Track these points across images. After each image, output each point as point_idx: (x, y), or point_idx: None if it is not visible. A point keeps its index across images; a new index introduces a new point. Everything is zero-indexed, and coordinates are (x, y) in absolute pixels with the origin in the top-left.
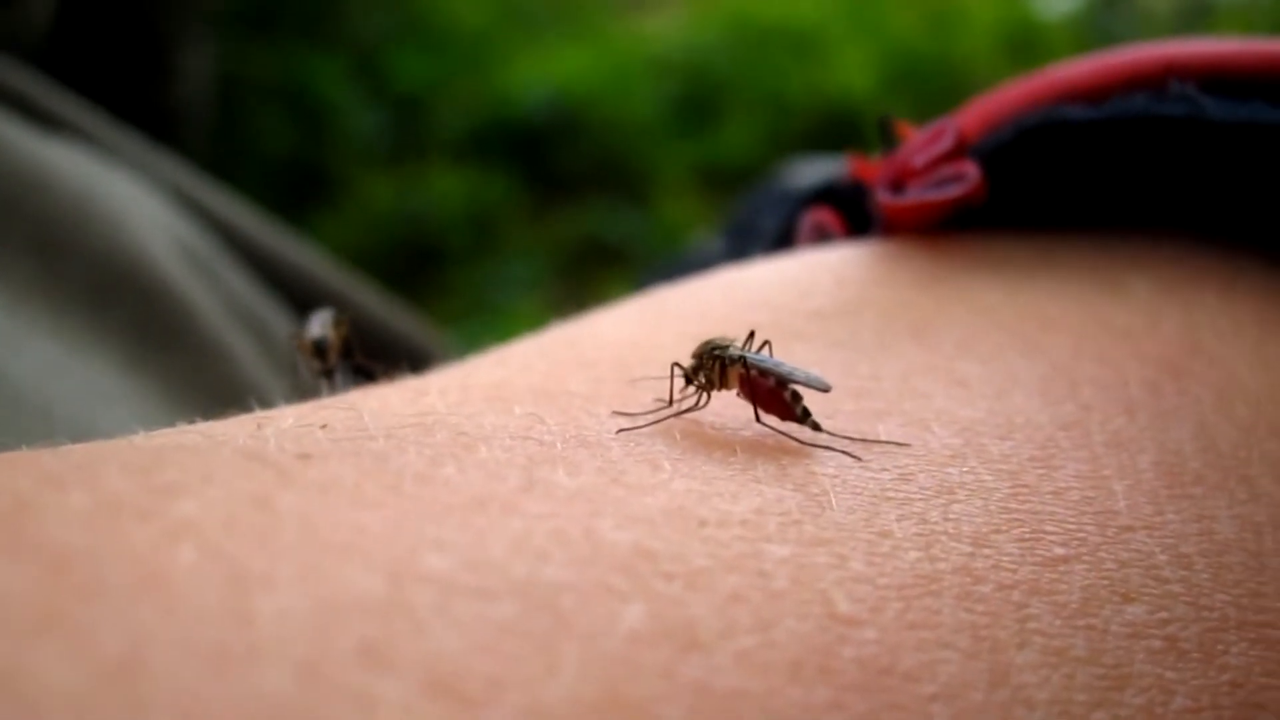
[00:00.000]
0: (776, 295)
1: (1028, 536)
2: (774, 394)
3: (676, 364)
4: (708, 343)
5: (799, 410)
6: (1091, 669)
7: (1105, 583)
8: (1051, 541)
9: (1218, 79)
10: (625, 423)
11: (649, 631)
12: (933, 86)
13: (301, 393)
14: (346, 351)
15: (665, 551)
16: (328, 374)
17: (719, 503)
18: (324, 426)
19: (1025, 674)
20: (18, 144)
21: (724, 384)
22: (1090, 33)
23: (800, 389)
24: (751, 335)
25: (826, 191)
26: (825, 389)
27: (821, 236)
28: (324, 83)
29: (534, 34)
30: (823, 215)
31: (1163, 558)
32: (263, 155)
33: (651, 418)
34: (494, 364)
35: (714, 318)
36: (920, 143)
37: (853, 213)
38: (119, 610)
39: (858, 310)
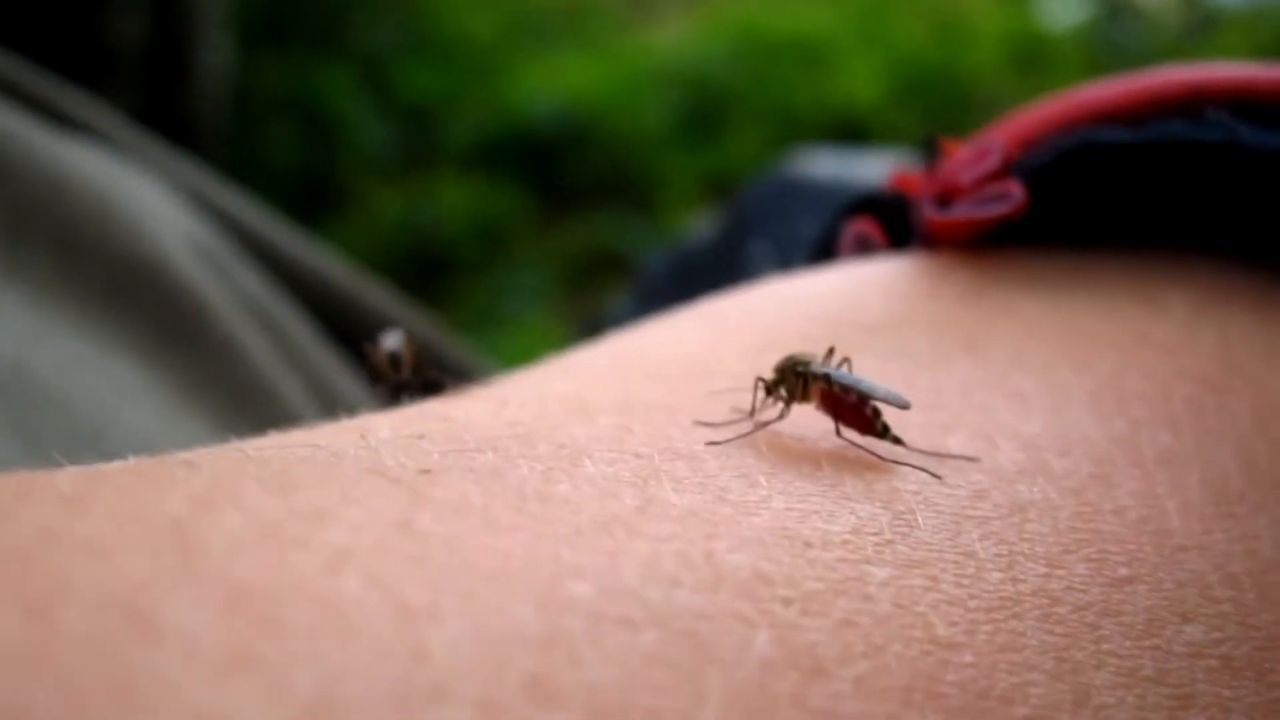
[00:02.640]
0: (829, 309)
1: (1095, 557)
2: (856, 409)
3: (760, 378)
4: (790, 358)
5: (879, 425)
6: (1160, 689)
7: (1165, 603)
8: (1116, 562)
9: (1246, 104)
10: (711, 434)
11: (777, 659)
12: (940, 98)
13: (376, 403)
14: (418, 366)
15: (779, 575)
16: (401, 385)
17: (818, 522)
18: (421, 437)
19: (1104, 694)
20: (38, 145)
21: (804, 398)
22: (1097, 44)
23: (880, 405)
24: (831, 351)
25: (868, 201)
26: (905, 406)
27: (863, 246)
28: (333, 94)
29: (542, 46)
30: (865, 225)
31: (1214, 578)
32: (272, 166)
33: (737, 430)
34: (561, 375)
35: (771, 331)
36: (967, 160)
37: (892, 222)
38: (305, 648)
39: (908, 324)
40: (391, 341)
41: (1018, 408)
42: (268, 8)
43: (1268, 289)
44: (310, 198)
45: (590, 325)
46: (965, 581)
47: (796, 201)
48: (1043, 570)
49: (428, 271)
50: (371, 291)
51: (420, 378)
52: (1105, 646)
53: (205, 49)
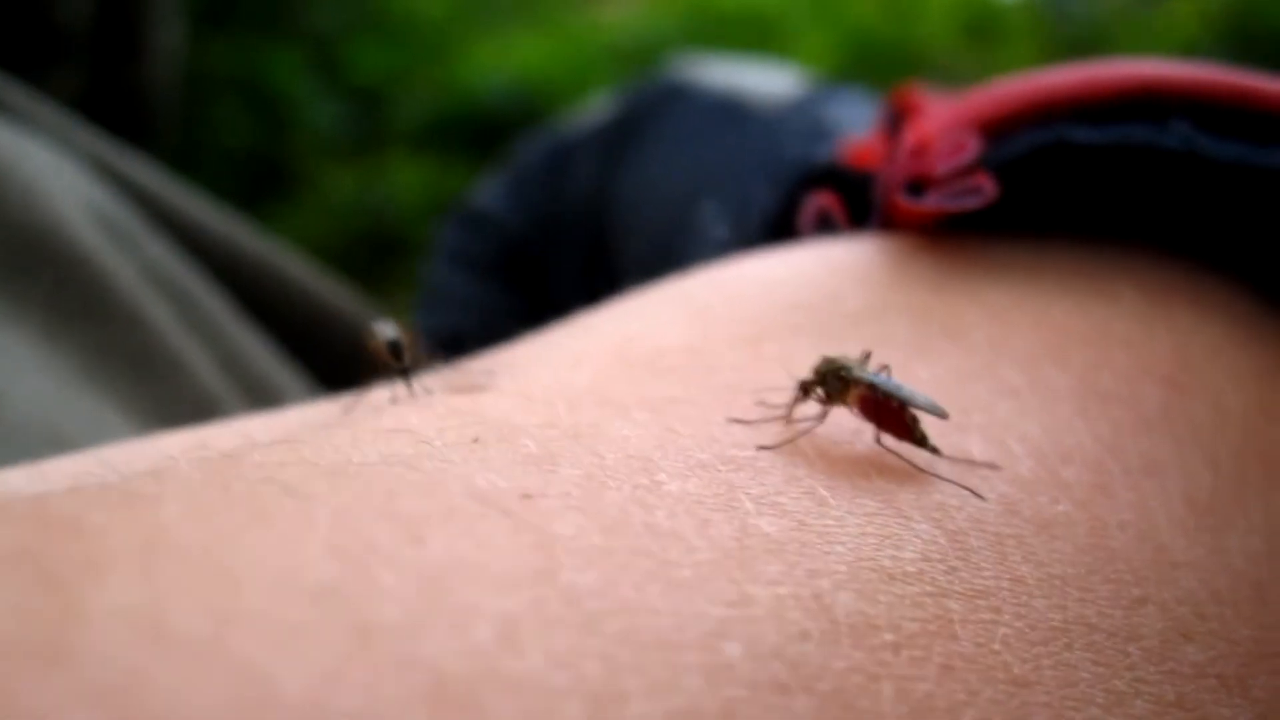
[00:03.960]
0: (810, 298)
1: (1113, 578)
2: (897, 416)
3: (801, 380)
4: (830, 361)
5: (918, 434)
6: (1180, 714)
7: (1172, 624)
8: (1129, 582)
9: (1204, 107)
10: (753, 434)
11: (905, 715)
12: (892, 69)
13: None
14: (417, 353)
15: (883, 618)
16: (404, 374)
17: (891, 549)
18: (476, 440)
19: None
20: None
21: (841, 401)
22: (1048, 14)
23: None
24: (868, 356)
25: (828, 174)
26: (944, 416)
27: (823, 221)
28: (282, 75)
29: (493, 24)
30: (825, 200)
31: (1203, 595)
32: (221, 148)
33: (780, 433)
34: (569, 365)
35: (759, 321)
36: (943, 152)
37: (849, 192)
38: None
39: (887, 312)
40: (389, 330)
41: (1014, 405)
42: None
43: (1205, 286)
44: (261, 180)
45: (459, 209)
46: (1022, 612)
47: (683, 105)
48: (1077, 595)
49: (381, 252)
50: (289, 261)
51: (424, 365)
52: (1137, 674)
53: (158, 29)
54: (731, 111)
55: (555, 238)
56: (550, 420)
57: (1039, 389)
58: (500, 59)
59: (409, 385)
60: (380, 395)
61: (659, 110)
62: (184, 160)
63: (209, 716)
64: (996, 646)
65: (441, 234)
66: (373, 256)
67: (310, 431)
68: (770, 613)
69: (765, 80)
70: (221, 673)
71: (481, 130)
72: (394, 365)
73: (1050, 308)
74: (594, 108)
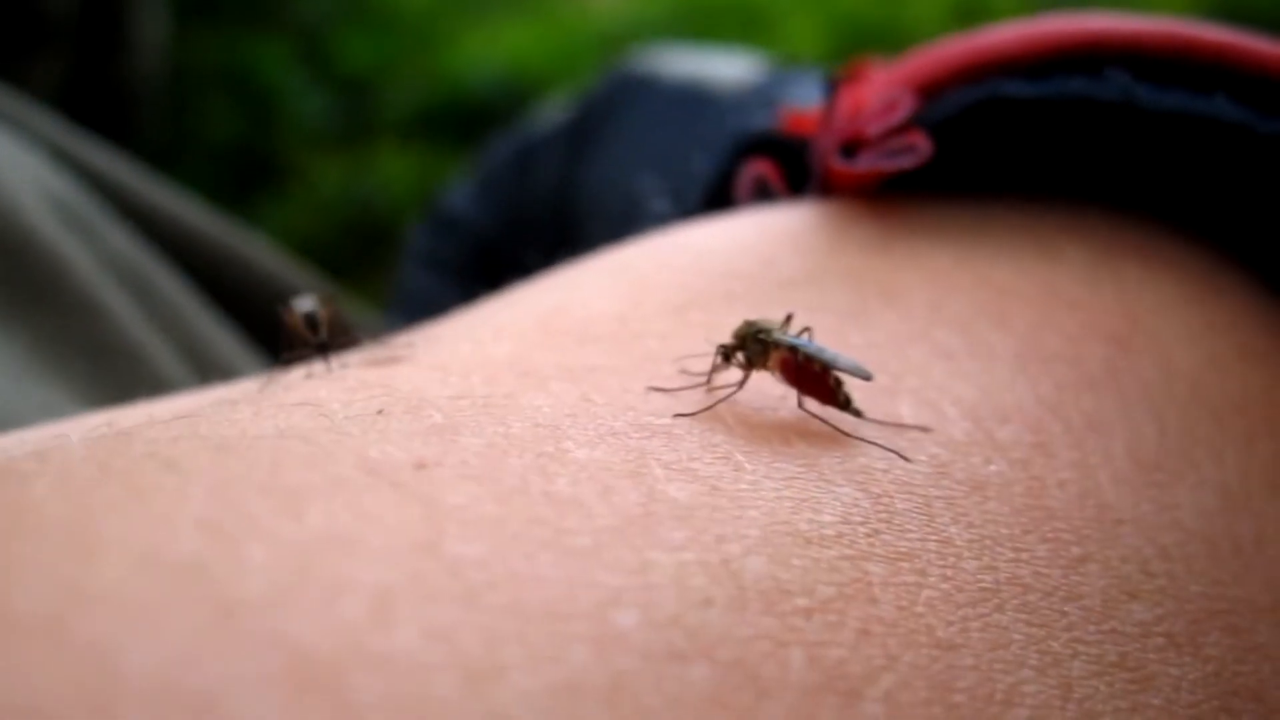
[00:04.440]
0: (744, 264)
1: (1050, 536)
2: (819, 380)
3: (720, 344)
4: (750, 324)
5: (842, 397)
6: (1123, 674)
7: (1114, 581)
8: (1068, 541)
9: (1145, 60)
10: (671, 402)
11: (815, 682)
12: (881, 54)
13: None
14: (335, 327)
15: (795, 583)
16: (320, 347)
17: (808, 513)
18: (380, 412)
19: (1083, 686)
20: None
21: (763, 365)
22: (1035, 5)
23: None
24: (789, 318)
25: (764, 142)
26: (868, 378)
27: (760, 189)
28: (268, 66)
29: (481, 13)
30: (762, 167)
31: (1149, 551)
32: (208, 141)
33: (699, 400)
34: (490, 337)
35: (690, 288)
36: (875, 112)
37: (787, 162)
38: None
39: (824, 277)
40: (307, 303)
41: (950, 367)
42: None
43: (1156, 243)
44: (248, 173)
45: (429, 211)
46: (949, 573)
47: (644, 96)
48: (1010, 555)
49: (371, 243)
50: (257, 249)
51: (340, 339)
52: (1075, 634)
53: (142, 20)
54: (692, 99)
55: (523, 237)
56: (463, 392)
57: (977, 351)
58: (488, 48)
59: (326, 360)
60: (300, 372)
61: (621, 103)
62: (171, 153)
63: (45, 699)
64: (920, 609)
65: (412, 237)
66: (362, 247)
67: (215, 407)
68: (671, 580)
69: (726, 66)
70: (62, 654)
71: (470, 120)
72: (311, 340)
73: (992, 269)
74: (558, 105)
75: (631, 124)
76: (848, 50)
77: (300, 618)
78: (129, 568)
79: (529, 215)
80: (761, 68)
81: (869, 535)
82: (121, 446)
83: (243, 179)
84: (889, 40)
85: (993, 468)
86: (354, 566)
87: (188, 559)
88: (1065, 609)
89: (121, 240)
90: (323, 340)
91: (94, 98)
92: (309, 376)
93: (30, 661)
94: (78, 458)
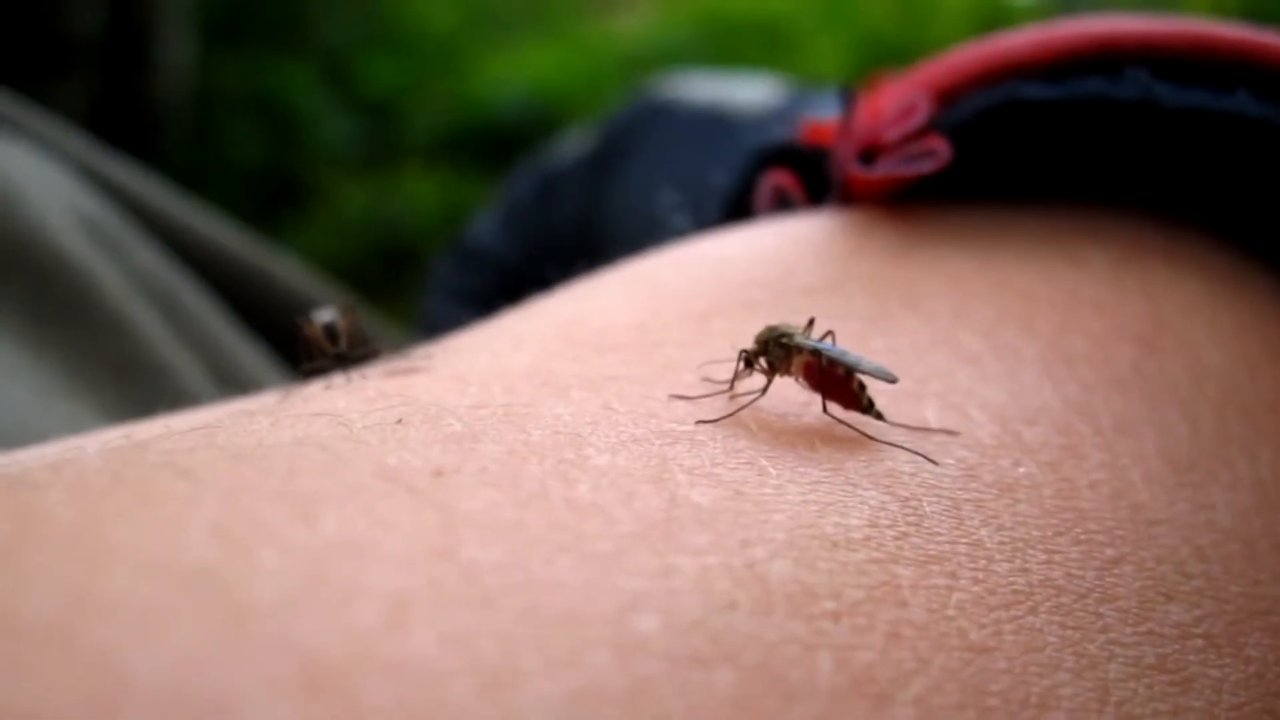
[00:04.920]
0: (765, 273)
1: (1083, 538)
2: (843, 384)
3: (742, 350)
4: (772, 329)
5: (865, 401)
6: (1162, 676)
7: (1150, 583)
8: (1101, 542)
9: (1165, 60)
10: (694, 409)
11: (843, 686)
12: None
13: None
14: (355, 338)
15: (823, 586)
16: (339, 358)
17: (835, 516)
18: (400, 422)
19: (1120, 689)
20: None
21: (786, 370)
22: (1060, 15)
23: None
24: (811, 323)
25: (783, 153)
26: (892, 380)
27: (780, 199)
28: (294, 90)
29: (504, 35)
30: (781, 178)
31: (1185, 552)
32: (234, 165)
33: (722, 407)
34: (510, 348)
35: (712, 297)
36: (892, 118)
37: (807, 173)
38: None
39: (845, 284)
40: (326, 314)
41: (975, 371)
42: (227, 5)
43: (1181, 243)
44: (274, 196)
45: (454, 245)
46: (980, 575)
47: (666, 123)
48: (1043, 557)
49: (395, 265)
50: (282, 266)
51: (360, 350)
52: (1111, 635)
53: (166, 44)
54: (713, 122)
55: (548, 266)
56: (483, 401)
57: (1002, 355)
58: (512, 70)
59: (345, 371)
60: (320, 384)
61: (642, 129)
62: (197, 176)
63: (52, 704)
64: (951, 612)
65: (436, 270)
66: (387, 268)
67: (233, 418)
68: (695, 584)
69: (747, 91)
70: (68, 660)
71: (494, 142)
72: (330, 351)
73: (1015, 273)
74: (579, 134)
75: (653, 149)
76: (871, 69)
77: (312, 623)
78: (138, 574)
79: (553, 244)
80: (782, 91)
81: (897, 538)
82: (136, 456)
83: (268, 201)
84: (913, 58)
85: (1022, 470)
86: (368, 572)
87: (198, 565)
88: (1100, 611)
89: (149, 258)
90: (341, 351)
91: (119, 120)
92: (328, 388)
93: (37, 667)
94: (92, 468)
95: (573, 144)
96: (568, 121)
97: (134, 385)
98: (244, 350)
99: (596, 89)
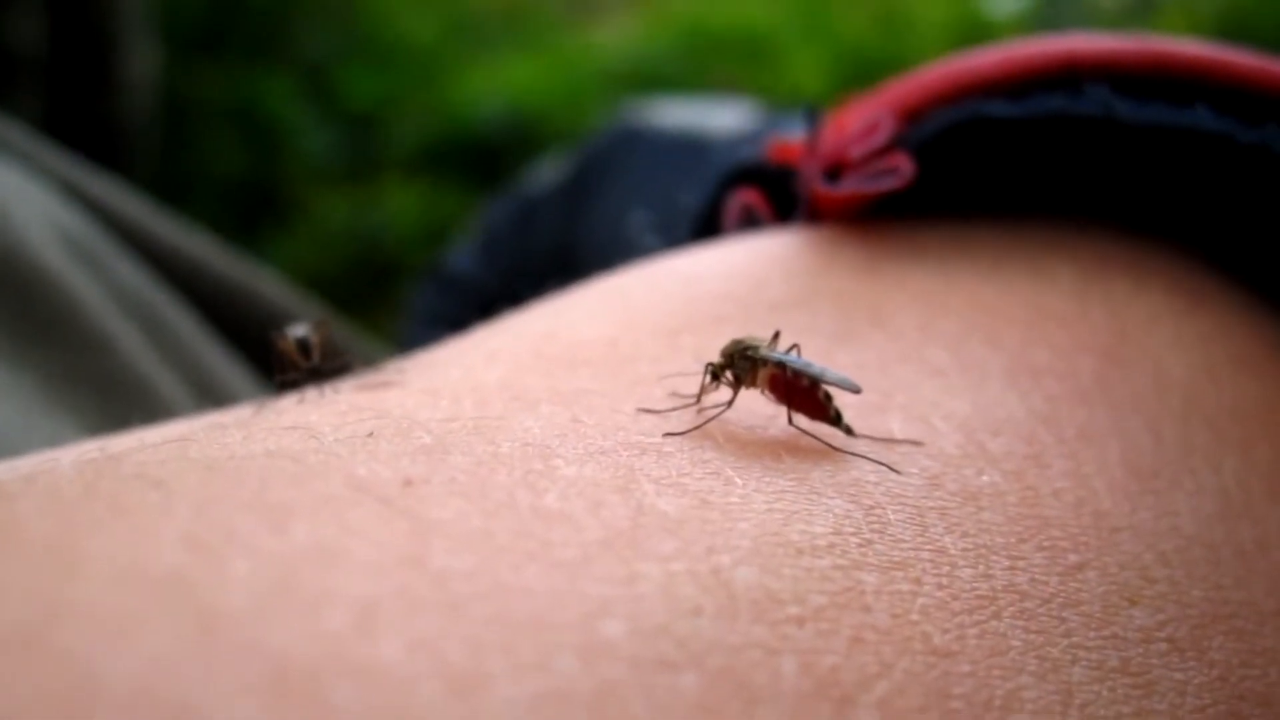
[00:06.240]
0: (733, 288)
1: (1046, 545)
2: (809, 395)
3: (708, 363)
4: (738, 342)
5: (832, 412)
6: (1125, 679)
7: (1114, 588)
8: (1065, 548)
9: (1124, 77)
10: (660, 422)
11: (807, 689)
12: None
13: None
14: (328, 352)
15: (787, 592)
16: (313, 372)
17: (800, 524)
18: (370, 435)
19: (1084, 691)
20: None
21: (752, 383)
22: (1039, 30)
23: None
24: (777, 336)
25: (750, 172)
26: (856, 390)
27: (748, 218)
28: (274, 102)
29: (485, 48)
30: (749, 196)
31: (1148, 558)
32: (214, 177)
33: (689, 419)
34: (482, 362)
35: (681, 313)
36: (855, 134)
37: (774, 191)
38: None
39: (812, 300)
40: (300, 329)
41: (940, 384)
42: (204, 16)
43: (1145, 256)
44: (254, 208)
45: (432, 272)
46: (944, 581)
47: (641, 149)
48: (1007, 563)
49: (377, 278)
50: (263, 281)
51: (333, 364)
52: (1074, 639)
53: (126, 58)
54: (688, 147)
55: (524, 293)
56: (453, 414)
57: (967, 368)
58: (492, 82)
59: (319, 384)
60: (293, 397)
61: (618, 155)
62: (176, 189)
63: (21, 706)
64: (915, 617)
65: (415, 298)
66: (368, 281)
67: (206, 431)
68: (660, 589)
69: (722, 115)
70: (39, 663)
71: (475, 154)
72: (303, 365)
73: (981, 288)
74: (556, 162)
75: (628, 175)
76: (852, 82)
77: (282, 628)
78: (109, 581)
79: (531, 271)
80: (757, 115)
81: (861, 545)
82: (109, 468)
83: (248, 214)
84: (893, 72)
85: (985, 479)
86: (338, 579)
87: (170, 572)
88: (1064, 615)
89: (130, 273)
90: (315, 365)
91: (72, 136)
92: (301, 402)
93: (6, 671)
94: (65, 479)
95: (549, 171)
96: (548, 134)
97: (116, 402)
98: (226, 366)
99: (577, 102)
